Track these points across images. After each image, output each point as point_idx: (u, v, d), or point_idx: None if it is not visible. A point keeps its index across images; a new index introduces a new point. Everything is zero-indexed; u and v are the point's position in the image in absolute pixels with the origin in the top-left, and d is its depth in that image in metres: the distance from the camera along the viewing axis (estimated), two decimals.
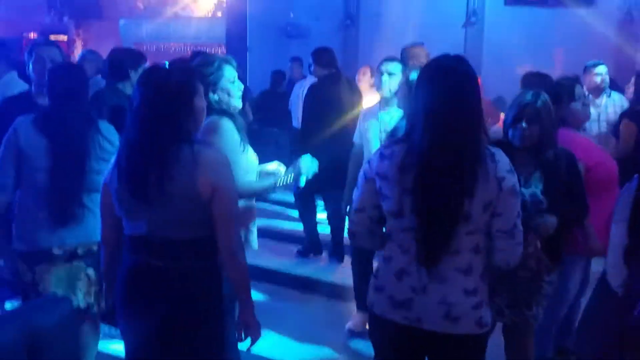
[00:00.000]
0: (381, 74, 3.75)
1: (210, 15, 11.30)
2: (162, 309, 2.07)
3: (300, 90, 6.30)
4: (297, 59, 7.85)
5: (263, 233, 3.11)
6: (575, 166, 2.78)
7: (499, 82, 6.75)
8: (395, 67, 3.79)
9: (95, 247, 2.86)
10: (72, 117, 2.82)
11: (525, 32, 8.03)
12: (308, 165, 2.88)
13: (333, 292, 4.66)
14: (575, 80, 3.51)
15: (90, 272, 2.91)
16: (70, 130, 2.80)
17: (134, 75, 3.87)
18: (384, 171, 2.00)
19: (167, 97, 2.04)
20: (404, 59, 4.56)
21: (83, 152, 2.81)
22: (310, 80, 5.90)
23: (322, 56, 5.26)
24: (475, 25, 8.59)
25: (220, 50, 10.95)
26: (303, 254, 5.35)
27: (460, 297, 1.97)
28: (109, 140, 2.88)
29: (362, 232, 2.14)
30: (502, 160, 1.95)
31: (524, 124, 2.66)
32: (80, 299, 2.88)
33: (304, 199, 5.25)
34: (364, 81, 5.82)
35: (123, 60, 3.90)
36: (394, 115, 3.79)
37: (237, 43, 9.52)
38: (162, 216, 2.06)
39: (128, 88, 3.88)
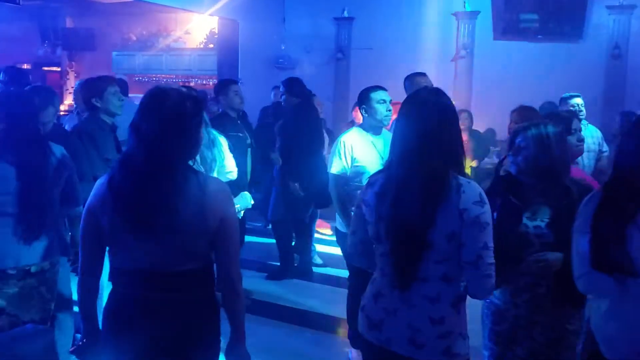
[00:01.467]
0: (382, 102, 3.81)
1: (202, 47, 11.38)
2: (162, 341, 1.99)
3: None
4: (278, 87, 7.98)
5: None
6: None
7: (488, 114, 6.81)
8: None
9: (47, 266, 2.92)
10: (27, 142, 2.84)
11: (514, 65, 8.15)
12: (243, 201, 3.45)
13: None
14: (573, 115, 3.49)
15: (43, 290, 2.92)
16: (30, 155, 2.82)
17: (102, 103, 3.83)
18: (367, 198, 2.14)
19: (182, 125, 1.96)
20: (407, 87, 4.61)
21: (46, 175, 2.86)
22: None
23: (294, 85, 5.38)
24: (465, 59, 8.69)
25: (212, 82, 11.02)
26: (275, 276, 5.53)
27: (425, 325, 2.01)
28: (62, 162, 2.96)
29: (355, 253, 2.29)
30: (470, 192, 1.97)
31: (509, 153, 2.63)
32: (34, 314, 2.86)
33: (283, 225, 5.59)
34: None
35: (87, 94, 3.90)
36: (386, 141, 3.85)
37: (228, 75, 9.57)
38: (167, 249, 1.96)
39: (107, 117, 3.89)
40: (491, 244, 1.98)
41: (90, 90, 3.88)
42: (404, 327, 2.02)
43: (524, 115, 4.01)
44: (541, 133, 2.56)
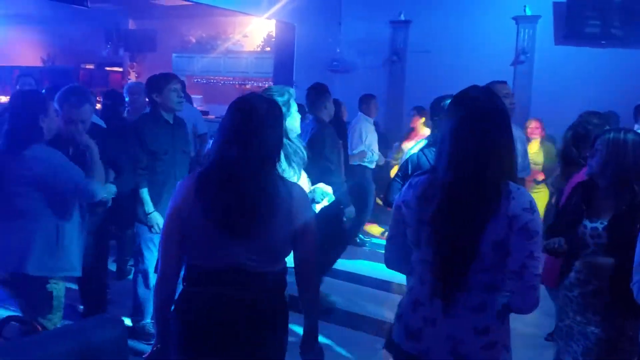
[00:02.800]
0: None
1: (259, 50, 11.53)
2: (238, 338, 2.05)
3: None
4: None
5: None
6: None
7: (548, 121, 6.65)
8: None
9: None
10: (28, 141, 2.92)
11: (576, 71, 7.91)
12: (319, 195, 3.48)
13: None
14: (607, 120, 3.48)
15: None
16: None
17: (162, 99, 4.02)
18: (407, 200, 2.01)
19: (274, 128, 2.04)
20: None
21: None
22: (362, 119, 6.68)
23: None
24: (525, 63, 8.50)
25: (268, 85, 11.15)
26: None
27: (469, 335, 1.90)
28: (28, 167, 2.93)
29: (393, 259, 2.17)
30: (520, 198, 1.86)
31: (588, 155, 2.72)
32: None
33: None
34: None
35: (149, 89, 4.10)
36: None
37: (283, 77, 9.66)
38: (257, 250, 2.03)
39: (165, 113, 4.08)
40: (538, 254, 1.86)
41: (152, 85, 4.04)
42: (444, 337, 1.92)
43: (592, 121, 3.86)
44: (618, 139, 2.57)
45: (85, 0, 7.06)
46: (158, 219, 3.98)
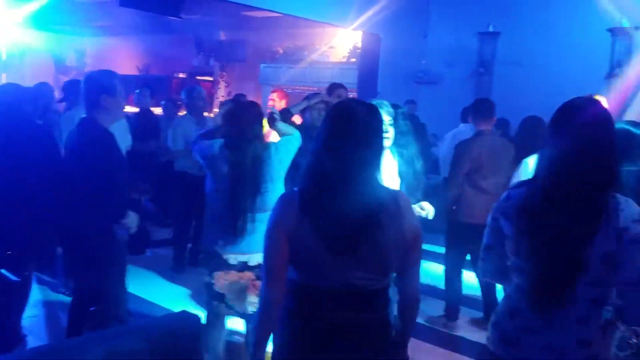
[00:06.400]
0: None
1: (344, 60, 11.67)
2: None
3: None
4: (412, 101, 8.30)
5: None
6: None
7: None
8: None
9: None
10: (248, 144, 3.09)
11: None
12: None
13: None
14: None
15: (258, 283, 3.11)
16: (246, 156, 3.07)
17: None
18: (507, 210, 1.98)
19: (377, 134, 1.93)
20: None
21: (257, 175, 3.08)
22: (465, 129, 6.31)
23: None
24: (620, 77, 8.13)
25: (352, 95, 11.23)
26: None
27: (571, 347, 1.87)
28: (279, 159, 3.15)
29: (490, 270, 2.13)
30: (629, 209, 1.81)
31: None
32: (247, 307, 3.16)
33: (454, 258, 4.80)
34: None
35: None
36: None
37: (367, 88, 9.73)
38: (368, 267, 1.88)
39: None
40: None
41: None
42: (544, 346, 1.90)
43: None
44: None
45: (179, 11, 7.41)
46: None
